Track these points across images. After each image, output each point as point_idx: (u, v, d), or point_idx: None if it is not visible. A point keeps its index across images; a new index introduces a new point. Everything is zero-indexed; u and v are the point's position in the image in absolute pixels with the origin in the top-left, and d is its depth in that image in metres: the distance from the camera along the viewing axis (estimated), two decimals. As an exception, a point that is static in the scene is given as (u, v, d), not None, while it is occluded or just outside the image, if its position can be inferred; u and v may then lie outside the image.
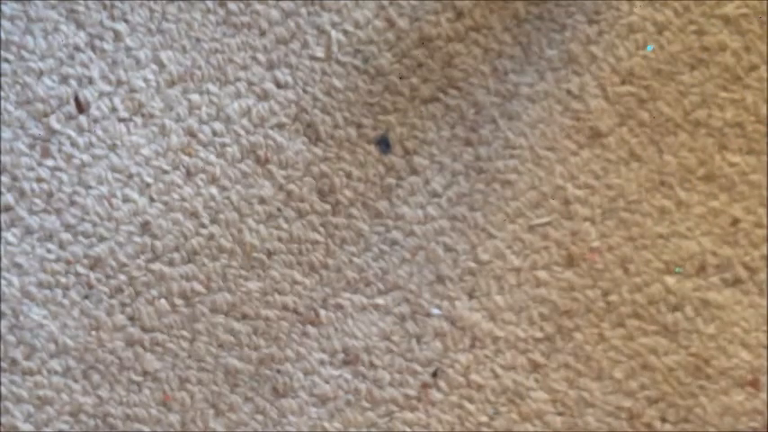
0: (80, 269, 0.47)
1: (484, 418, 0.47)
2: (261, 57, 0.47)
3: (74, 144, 0.47)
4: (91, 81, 0.47)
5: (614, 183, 0.47)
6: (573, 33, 0.47)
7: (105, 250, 0.48)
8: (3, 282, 0.47)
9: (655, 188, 0.48)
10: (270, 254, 0.48)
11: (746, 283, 0.48)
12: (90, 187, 0.47)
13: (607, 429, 0.47)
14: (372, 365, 0.48)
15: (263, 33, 0.47)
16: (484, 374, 0.48)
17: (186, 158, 0.48)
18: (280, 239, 0.48)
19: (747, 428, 0.48)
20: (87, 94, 0.47)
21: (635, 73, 0.47)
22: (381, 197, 0.48)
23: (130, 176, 0.47)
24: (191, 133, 0.48)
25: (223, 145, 0.48)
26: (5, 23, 0.47)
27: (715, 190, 0.47)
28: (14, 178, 0.47)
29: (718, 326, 0.48)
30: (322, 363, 0.48)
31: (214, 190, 0.48)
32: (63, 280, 0.47)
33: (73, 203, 0.47)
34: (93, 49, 0.47)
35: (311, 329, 0.48)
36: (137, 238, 0.48)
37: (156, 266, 0.48)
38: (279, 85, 0.46)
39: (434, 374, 0.48)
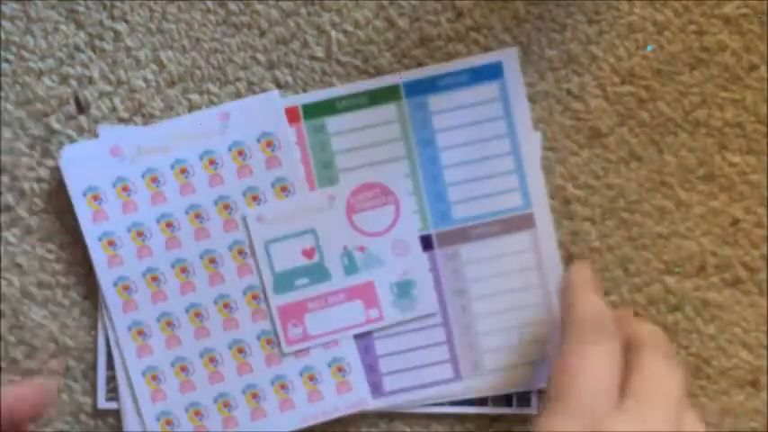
0: (80, 269, 0.47)
1: (484, 419, 0.47)
2: (261, 57, 0.47)
3: (74, 144, 0.47)
4: (91, 81, 0.47)
5: (614, 183, 0.47)
6: (573, 33, 0.47)
7: (105, 250, 0.48)
8: (3, 282, 0.47)
9: (655, 188, 0.48)
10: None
11: (746, 283, 0.48)
12: (90, 187, 0.47)
13: (607, 429, 0.47)
14: (372, 365, 0.48)
15: (263, 33, 0.47)
16: (484, 374, 0.48)
17: (186, 158, 0.48)
18: (280, 239, 0.48)
19: (747, 428, 0.48)
20: (87, 94, 0.47)
21: (635, 73, 0.47)
22: (381, 197, 0.48)
23: (130, 176, 0.47)
24: (191, 133, 0.48)
25: (223, 145, 0.48)
26: (5, 23, 0.47)
27: (715, 190, 0.47)
28: (14, 178, 0.47)
29: (718, 326, 0.48)
30: (322, 363, 0.48)
31: (214, 190, 0.48)
32: (63, 280, 0.47)
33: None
34: (93, 49, 0.47)
35: (311, 329, 0.48)
36: (137, 238, 0.48)
37: (156, 266, 0.48)
38: (279, 85, 0.46)
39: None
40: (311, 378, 0.45)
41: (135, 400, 0.45)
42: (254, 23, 0.47)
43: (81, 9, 0.47)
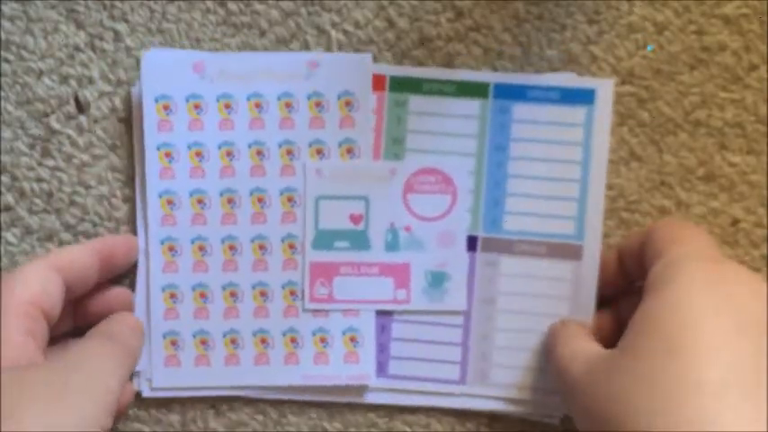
0: (80, 269, 0.47)
1: (483, 419, 0.47)
2: (261, 57, 0.47)
3: (74, 144, 0.47)
4: (91, 81, 0.47)
5: (614, 183, 0.47)
6: (573, 33, 0.47)
7: (105, 250, 0.48)
8: (3, 282, 0.47)
9: (655, 188, 0.48)
10: (270, 254, 0.48)
11: (746, 283, 0.48)
12: (90, 187, 0.47)
13: (607, 429, 0.47)
14: (372, 365, 0.48)
15: (263, 33, 0.47)
16: (484, 374, 0.48)
17: (186, 158, 0.48)
18: (280, 239, 0.48)
19: (747, 428, 0.48)
20: (87, 94, 0.47)
21: (635, 73, 0.47)
22: (381, 197, 0.48)
23: (130, 176, 0.47)
24: (191, 133, 0.48)
25: (223, 145, 0.48)
26: (5, 23, 0.47)
27: (715, 190, 0.47)
28: (14, 178, 0.47)
29: (718, 326, 0.48)
30: (322, 363, 0.48)
31: (214, 190, 0.48)
32: (63, 280, 0.47)
33: (73, 203, 0.47)
34: (93, 49, 0.47)
35: (311, 329, 0.48)
36: (137, 238, 0.48)
37: (156, 266, 0.48)
38: (279, 85, 0.46)
39: (434, 374, 0.48)
40: (322, 340, 0.45)
41: (147, 312, 0.45)
42: (254, 23, 0.47)
43: (81, 9, 0.47)
